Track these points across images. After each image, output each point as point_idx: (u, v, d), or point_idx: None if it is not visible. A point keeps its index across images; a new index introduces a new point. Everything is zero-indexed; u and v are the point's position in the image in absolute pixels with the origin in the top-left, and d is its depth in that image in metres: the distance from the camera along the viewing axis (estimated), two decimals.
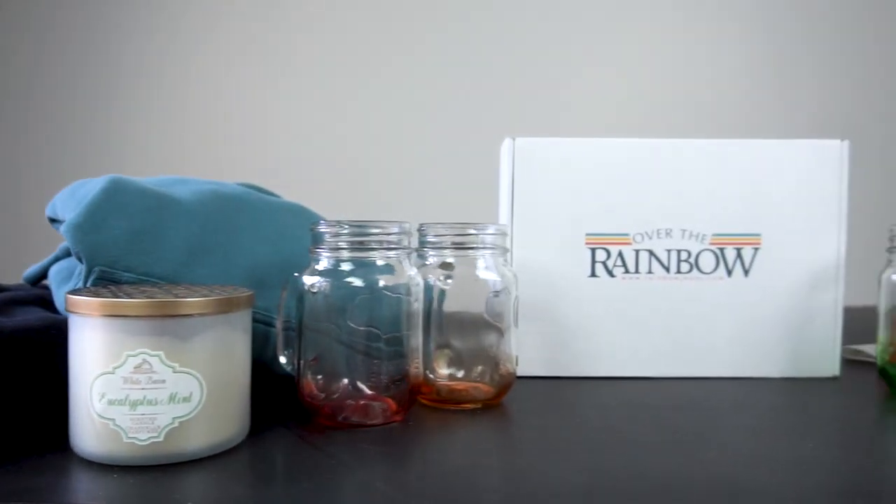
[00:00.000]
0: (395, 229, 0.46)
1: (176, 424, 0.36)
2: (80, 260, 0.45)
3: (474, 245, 0.50)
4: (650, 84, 1.56)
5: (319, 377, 0.45)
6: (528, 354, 0.59)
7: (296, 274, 0.46)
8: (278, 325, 0.47)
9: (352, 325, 0.44)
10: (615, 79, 1.57)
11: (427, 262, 0.51)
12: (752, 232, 0.59)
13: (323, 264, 0.45)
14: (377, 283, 0.45)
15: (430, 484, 0.36)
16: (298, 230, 0.53)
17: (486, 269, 0.50)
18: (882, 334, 0.55)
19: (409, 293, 0.46)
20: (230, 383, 0.39)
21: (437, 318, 0.50)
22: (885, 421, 0.50)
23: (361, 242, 0.45)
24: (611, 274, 0.59)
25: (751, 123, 1.52)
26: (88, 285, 0.44)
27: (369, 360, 0.45)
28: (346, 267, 0.45)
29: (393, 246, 0.46)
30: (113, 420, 0.36)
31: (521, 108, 1.56)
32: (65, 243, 0.52)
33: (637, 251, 0.59)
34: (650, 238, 0.59)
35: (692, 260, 0.59)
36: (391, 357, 0.45)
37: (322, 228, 0.45)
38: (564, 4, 1.57)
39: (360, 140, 1.60)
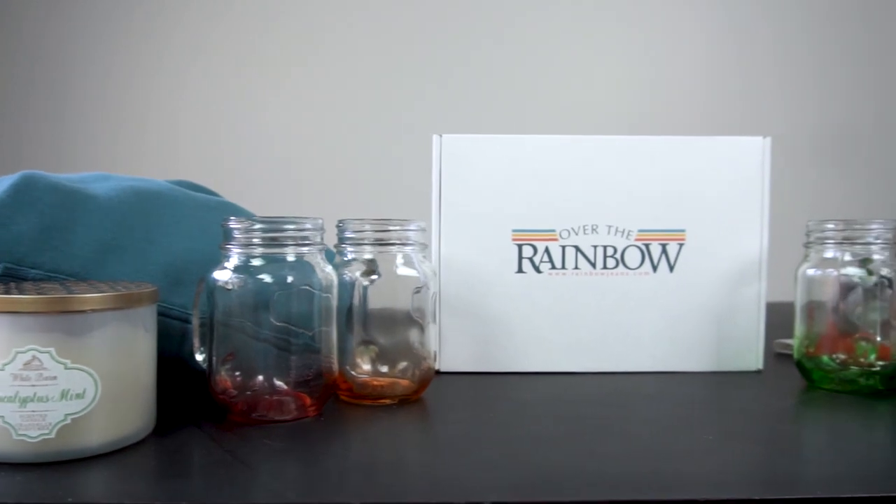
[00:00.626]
0: (308, 225, 0.46)
1: (68, 421, 0.36)
2: None
3: (394, 241, 0.50)
4: (598, 82, 1.58)
5: (235, 373, 0.45)
6: (454, 350, 0.59)
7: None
8: (194, 321, 0.47)
9: (263, 321, 0.44)
10: (571, 77, 1.58)
11: (347, 258, 0.51)
12: (676, 228, 0.60)
13: (234, 261, 0.45)
14: (286, 280, 0.45)
15: (328, 480, 0.36)
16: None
17: (405, 266, 0.51)
18: (798, 328, 0.56)
19: (322, 289, 0.46)
20: (130, 380, 0.39)
21: (359, 315, 0.50)
22: (799, 413, 0.51)
23: (273, 238, 0.45)
24: (537, 270, 0.59)
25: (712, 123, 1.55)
26: None
27: (282, 355, 0.45)
28: (256, 263, 0.45)
29: (306, 242, 0.46)
30: (2, 417, 0.35)
31: (476, 107, 1.57)
32: None
33: (563, 247, 0.59)
34: (576, 234, 0.59)
35: (618, 256, 0.60)
36: (303, 352, 0.45)
37: (232, 225, 0.45)
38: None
39: (315, 138, 1.60)
